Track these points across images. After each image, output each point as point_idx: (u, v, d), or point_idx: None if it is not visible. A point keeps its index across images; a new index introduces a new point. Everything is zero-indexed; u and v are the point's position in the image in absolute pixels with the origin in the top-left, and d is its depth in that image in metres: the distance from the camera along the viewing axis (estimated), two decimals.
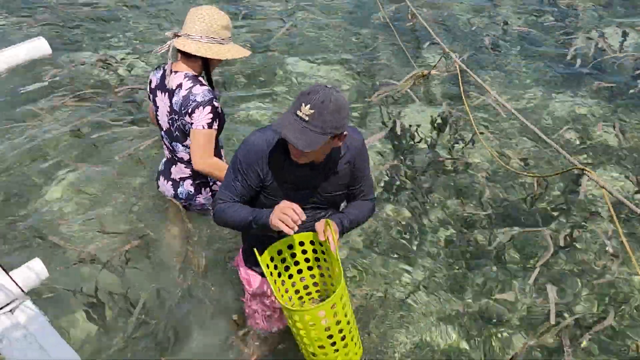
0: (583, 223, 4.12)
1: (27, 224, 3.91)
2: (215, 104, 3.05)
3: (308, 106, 2.18)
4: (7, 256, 3.62)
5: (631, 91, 5.48)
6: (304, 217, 2.28)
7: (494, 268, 3.79)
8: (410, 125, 4.92)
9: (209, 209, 3.39)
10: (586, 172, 2.88)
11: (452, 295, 3.62)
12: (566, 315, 3.49)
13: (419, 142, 4.79)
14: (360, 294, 3.59)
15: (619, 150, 4.77)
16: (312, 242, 2.56)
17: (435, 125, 4.98)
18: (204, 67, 3.11)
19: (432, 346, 3.34)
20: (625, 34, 6.41)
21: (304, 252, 2.60)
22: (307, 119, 2.18)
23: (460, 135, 4.87)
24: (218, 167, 3.15)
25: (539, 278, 3.71)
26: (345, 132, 2.30)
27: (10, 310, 2.27)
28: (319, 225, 2.43)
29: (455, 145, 4.78)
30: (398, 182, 4.38)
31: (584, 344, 3.33)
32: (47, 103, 5.08)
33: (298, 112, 2.20)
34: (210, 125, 3.07)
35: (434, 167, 4.55)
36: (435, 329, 3.42)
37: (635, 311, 3.53)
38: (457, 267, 3.80)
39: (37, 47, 3.20)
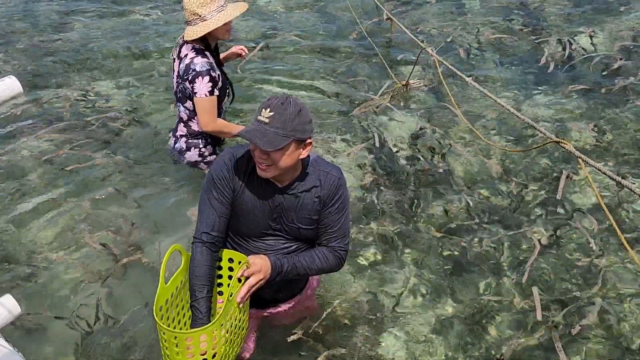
0: (567, 220, 4.13)
1: (3, 260, 3.84)
2: (212, 73, 3.54)
3: (268, 109, 2.20)
4: None
5: (603, 90, 5.52)
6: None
7: (481, 270, 3.78)
8: (391, 137, 4.93)
9: (195, 164, 4.01)
10: (562, 144, 2.91)
11: (441, 299, 3.61)
12: (554, 312, 3.48)
13: (399, 152, 4.79)
14: (349, 299, 3.56)
15: (598, 149, 4.79)
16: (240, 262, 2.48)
17: (416, 133, 4.98)
18: (205, 41, 3.61)
19: (422, 349, 3.32)
20: (593, 34, 6.46)
21: (230, 269, 2.55)
22: (267, 121, 2.19)
23: (441, 142, 4.87)
24: (225, 126, 3.78)
25: (524, 276, 3.71)
26: (310, 141, 2.28)
27: None
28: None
29: (437, 151, 4.78)
30: (381, 192, 4.37)
31: (574, 332, 3.32)
32: (22, 134, 5.02)
33: (259, 117, 2.21)
34: (211, 93, 3.58)
35: (416, 175, 4.54)
36: (425, 332, 3.41)
37: (624, 305, 3.53)
38: (444, 271, 3.79)
39: (8, 85, 3.17)
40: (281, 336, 3.23)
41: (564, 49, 6.20)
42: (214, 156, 3.98)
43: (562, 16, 6.92)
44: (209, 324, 2.24)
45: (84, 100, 5.54)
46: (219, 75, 3.65)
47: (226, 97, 3.83)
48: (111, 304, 3.55)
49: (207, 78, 3.52)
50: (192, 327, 2.40)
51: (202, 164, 4.01)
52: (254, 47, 6.37)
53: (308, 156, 2.43)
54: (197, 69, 3.51)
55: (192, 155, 3.95)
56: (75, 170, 4.60)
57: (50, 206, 4.27)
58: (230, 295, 2.30)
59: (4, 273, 3.72)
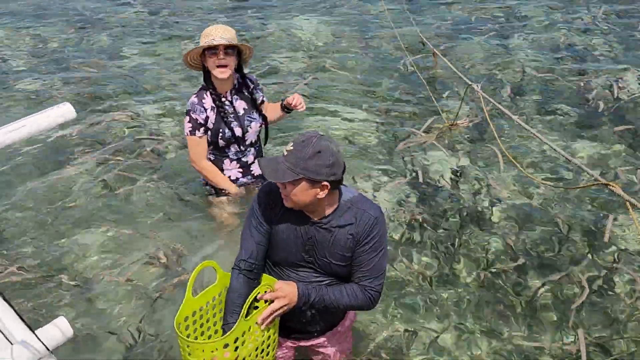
0: (613, 264, 4.04)
1: (55, 279, 3.97)
2: (193, 115, 3.58)
3: (291, 144, 2.30)
4: (33, 312, 3.67)
5: None
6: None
7: (523, 312, 3.71)
8: (433, 173, 4.93)
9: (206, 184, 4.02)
10: (610, 187, 2.87)
11: (481, 340, 3.54)
12: (600, 358, 3.40)
13: (441, 189, 4.77)
14: (386, 335, 3.55)
15: None
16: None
17: (458, 173, 4.97)
18: (207, 80, 3.63)
19: None
20: None
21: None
22: (285, 153, 2.29)
23: (484, 181, 4.85)
24: (209, 172, 3.79)
25: (569, 320, 3.64)
26: (325, 184, 2.30)
27: None
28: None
29: (480, 190, 4.75)
30: (422, 229, 4.36)
31: None
32: (74, 157, 5.23)
33: (284, 150, 2.32)
34: (191, 133, 3.64)
35: (458, 214, 4.51)
36: None
37: None
38: (484, 313, 3.73)
39: (63, 112, 3.35)
40: None
41: (611, 89, 6.14)
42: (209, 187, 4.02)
43: (610, 56, 6.88)
44: (219, 339, 2.31)
45: (134, 126, 5.74)
46: (206, 117, 3.61)
47: (221, 140, 3.69)
48: (155, 324, 3.63)
49: (187, 118, 3.63)
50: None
51: (206, 186, 4.06)
52: (299, 82, 6.49)
53: (340, 192, 2.48)
54: (186, 107, 3.65)
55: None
56: (124, 193, 4.75)
57: (101, 228, 4.40)
58: (247, 316, 2.35)
59: (57, 292, 3.86)
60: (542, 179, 4.81)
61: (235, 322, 2.40)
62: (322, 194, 2.33)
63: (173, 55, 7.31)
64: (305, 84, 6.47)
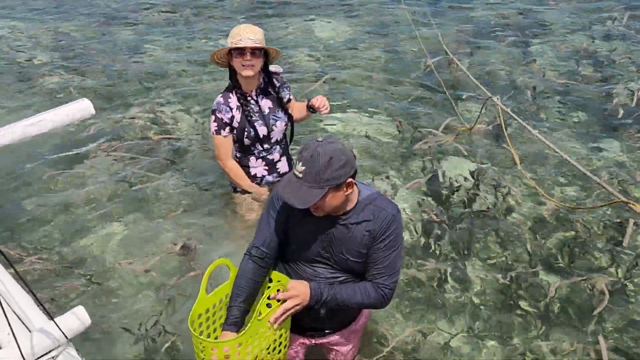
0: (634, 269, 4.00)
1: (75, 270, 4.02)
2: (218, 114, 3.63)
3: (300, 163, 2.28)
4: (52, 301, 3.72)
5: None
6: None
7: (540, 316, 3.68)
8: (451, 175, 4.91)
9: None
10: (630, 205, 2.84)
11: (496, 344, 3.52)
12: None
13: (458, 190, 4.76)
14: (400, 335, 3.54)
15: None
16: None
17: (476, 176, 4.95)
18: (233, 79, 3.66)
19: None
20: None
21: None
22: (300, 176, 2.27)
23: (501, 184, 4.82)
24: (233, 172, 3.83)
25: (589, 327, 3.60)
26: (349, 180, 2.32)
27: (53, 357, 2.31)
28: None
29: (497, 193, 4.72)
30: (438, 229, 4.34)
31: None
32: (93, 152, 5.28)
33: (294, 171, 2.30)
34: (217, 132, 3.69)
35: (475, 216, 4.50)
36: None
37: None
38: (499, 316, 3.70)
39: (81, 108, 3.41)
40: None
41: (632, 96, 6.07)
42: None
43: (632, 64, 6.80)
44: (232, 338, 2.33)
45: (153, 122, 5.78)
46: (232, 117, 3.67)
47: (246, 138, 3.73)
48: (173, 317, 3.65)
49: (212, 117, 3.68)
50: (221, 329, 2.53)
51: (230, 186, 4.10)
52: (317, 80, 6.50)
53: (360, 189, 2.50)
54: (212, 107, 3.69)
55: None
56: (144, 188, 4.80)
57: (119, 222, 4.45)
58: (260, 315, 2.36)
59: (76, 282, 3.91)
60: (559, 188, 4.78)
61: (236, 306, 2.49)
62: (349, 190, 2.36)
63: (194, 53, 7.35)
64: (324, 82, 6.48)
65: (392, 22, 8.23)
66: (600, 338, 3.48)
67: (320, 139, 2.29)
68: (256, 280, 2.56)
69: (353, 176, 2.36)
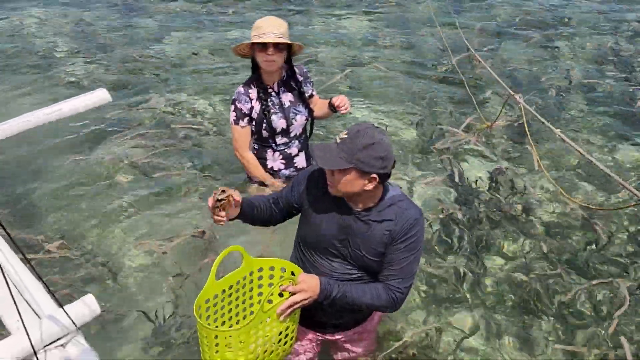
0: None
1: (86, 257, 4.02)
2: (238, 104, 3.61)
3: (345, 132, 2.28)
4: (62, 289, 3.71)
5: None
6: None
7: (560, 318, 3.61)
8: (470, 173, 4.85)
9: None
10: None
11: (513, 344, 3.46)
12: None
13: (477, 189, 4.68)
14: (415, 332, 3.49)
15: None
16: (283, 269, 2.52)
17: (496, 175, 4.86)
18: (256, 72, 3.63)
19: None
20: None
21: (271, 277, 2.59)
22: (339, 141, 2.27)
23: (521, 184, 4.74)
24: (249, 163, 3.80)
25: (610, 328, 3.51)
26: (374, 176, 2.28)
27: (62, 345, 2.30)
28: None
29: (516, 193, 4.64)
30: (457, 228, 4.28)
31: None
32: (109, 140, 5.29)
33: (337, 137, 2.30)
34: (236, 122, 3.67)
35: (494, 215, 4.42)
36: None
37: None
38: (515, 316, 3.64)
39: (99, 96, 3.43)
40: None
41: None
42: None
43: None
44: (236, 327, 2.30)
45: (170, 111, 5.78)
46: (251, 108, 3.64)
47: (264, 130, 3.70)
48: (184, 306, 3.63)
49: (232, 107, 3.66)
50: None
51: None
52: (338, 74, 6.45)
53: (386, 188, 2.46)
54: (233, 96, 3.67)
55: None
56: (158, 176, 4.78)
57: (132, 209, 4.44)
58: (270, 302, 2.33)
59: (86, 270, 3.90)
60: (582, 187, 4.70)
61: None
62: (369, 186, 2.31)
63: (214, 44, 7.33)
64: (345, 76, 6.43)
65: (413, 18, 8.15)
66: (624, 340, 3.40)
67: (376, 125, 2.30)
68: (262, 208, 2.64)
69: (381, 177, 2.31)
